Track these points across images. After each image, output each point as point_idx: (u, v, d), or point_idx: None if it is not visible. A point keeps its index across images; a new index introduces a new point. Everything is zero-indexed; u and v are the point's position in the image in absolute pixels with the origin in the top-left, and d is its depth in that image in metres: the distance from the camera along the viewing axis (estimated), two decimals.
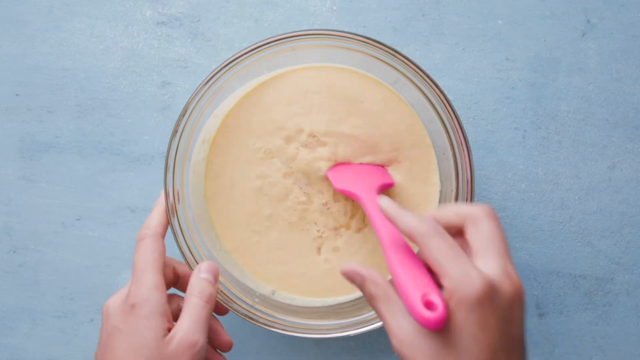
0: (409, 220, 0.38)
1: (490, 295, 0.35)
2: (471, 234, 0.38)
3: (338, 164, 0.53)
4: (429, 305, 0.36)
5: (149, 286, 0.44)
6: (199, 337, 0.43)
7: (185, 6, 0.59)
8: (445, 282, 0.36)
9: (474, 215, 0.39)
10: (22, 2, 0.60)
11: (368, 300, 0.40)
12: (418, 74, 0.49)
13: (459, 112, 0.57)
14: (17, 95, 0.59)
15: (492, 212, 0.39)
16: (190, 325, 0.43)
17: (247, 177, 0.54)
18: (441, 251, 0.37)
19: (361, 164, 0.53)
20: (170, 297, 0.47)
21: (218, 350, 0.49)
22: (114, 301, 0.45)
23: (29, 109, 0.59)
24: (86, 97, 0.59)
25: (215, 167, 0.53)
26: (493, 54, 0.58)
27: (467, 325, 0.35)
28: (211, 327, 0.48)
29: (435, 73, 0.58)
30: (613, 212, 0.58)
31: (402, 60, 0.49)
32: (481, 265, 0.37)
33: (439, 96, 0.49)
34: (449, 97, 0.57)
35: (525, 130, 0.58)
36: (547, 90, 0.58)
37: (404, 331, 0.37)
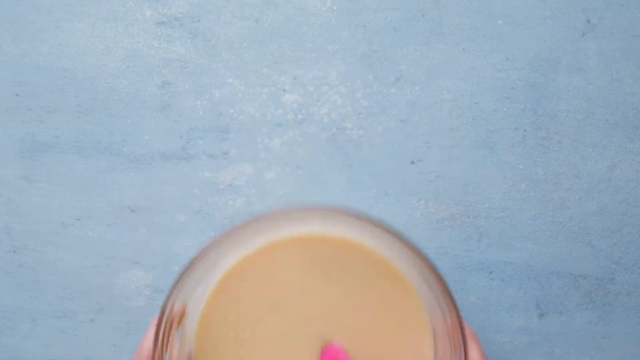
0: None
1: None
2: None
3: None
4: None
5: None
6: None
7: (185, 6, 0.59)
8: None
9: None
10: (22, 2, 0.60)
11: None
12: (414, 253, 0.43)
13: (459, 112, 0.57)
14: (17, 95, 0.59)
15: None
16: None
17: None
18: None
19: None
20: None
21: None
22: None
23: (29, 109, 0.59)
24: (86, 97, 0.59)
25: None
26: (493, 54, 0.58)
27: None
28: None
29: (435, 73, 0.58)
30: (613, 212, 0.58)
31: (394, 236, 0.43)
32: None
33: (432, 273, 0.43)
34: (449, 97, 0.57)
35: (525, 130, 0.58)
36: (547, 90, 0.58)
37: None
